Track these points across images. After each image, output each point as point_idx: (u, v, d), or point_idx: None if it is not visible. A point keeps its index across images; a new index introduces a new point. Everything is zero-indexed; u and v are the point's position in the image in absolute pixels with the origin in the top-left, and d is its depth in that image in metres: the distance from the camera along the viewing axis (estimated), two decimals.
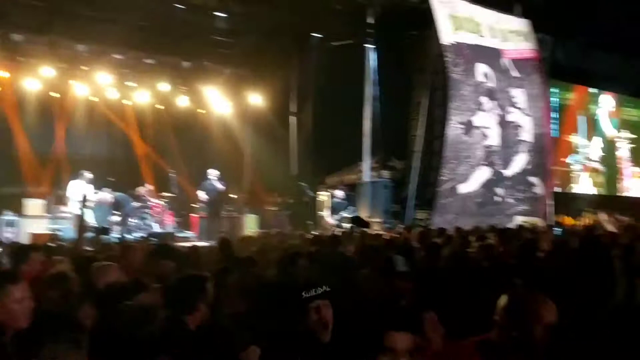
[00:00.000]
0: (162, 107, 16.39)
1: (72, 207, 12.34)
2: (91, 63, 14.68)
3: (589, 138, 20.14)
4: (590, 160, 20.04)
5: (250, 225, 14.54)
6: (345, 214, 14.24)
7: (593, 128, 20.35)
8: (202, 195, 14.18)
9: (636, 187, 21.45)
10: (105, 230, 11.33)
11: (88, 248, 7.71)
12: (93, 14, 13.53)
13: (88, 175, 12.82)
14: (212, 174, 14.26)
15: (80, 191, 12.42)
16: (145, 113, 16.11)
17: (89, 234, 8.71)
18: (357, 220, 7.72)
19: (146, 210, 14.56)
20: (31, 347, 2.04)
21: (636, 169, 21.41)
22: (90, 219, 11.96)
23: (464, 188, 14.45)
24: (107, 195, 13.19)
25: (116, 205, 13.73)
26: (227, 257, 5.95)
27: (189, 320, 3.15)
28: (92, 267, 4.25)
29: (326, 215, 14.41)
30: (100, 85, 14.96)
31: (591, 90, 20.54)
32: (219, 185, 14.16)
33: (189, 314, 3.16)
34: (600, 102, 20.69)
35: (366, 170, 15.01)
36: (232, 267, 4.37)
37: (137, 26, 14.02)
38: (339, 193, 14.56)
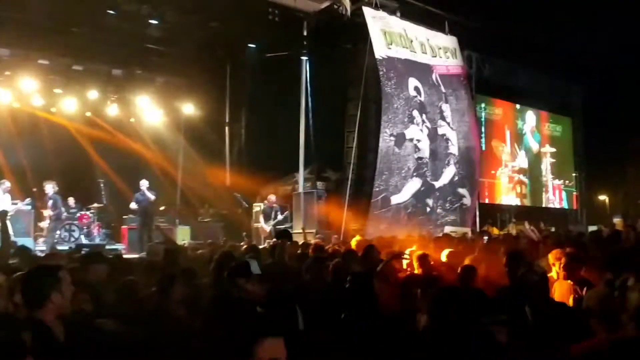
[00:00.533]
0: (91, 116, 15.90)
1: None
2: (14, 68, 14.09)
3: (515, 152, 21.04)
4: (516, 172, 20.93)
5: (182, 236, 14.28)
6: (280, 218, 14.22)
7: (518, 142, 21.29)
8: (133, 205, 13.82)
9: (558, 199, 22.59)
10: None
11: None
12: (18, 16, 12.98)
13: (6, 184, 12.21)
14: (143, 184, 13.92)
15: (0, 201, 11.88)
16: (73, 121, 15.59)
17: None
18: (283, 234, 7.81)
19: (74, 222, 14.07)
20: None
21: (558, 181, 22.55)
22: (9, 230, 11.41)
23: (396, 199, 14.74)
24: (26, 207, 12.61)
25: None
26: (172, 267, 5.86)
27: (41, 313, 2.92)
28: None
29: (262, 223, 14.35)
30: (24, 91, 14.36)
31: (517, 106, 21.51)
32: (150, 195, 13.84)
33: (40, 307, 2.93)
34: (525, 117, 21.69)
35: (301, 181, 15.07)
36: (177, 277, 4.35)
37: (65, 31, 13.60)
38: (271, 198, 14.53)
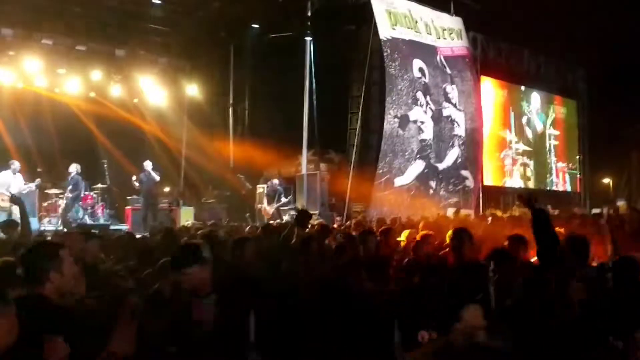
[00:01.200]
0: (95, 96, 15.90)
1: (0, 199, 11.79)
2: (18, 48, 14.06)
3: (519, 134, 20.96)
4: (520, 155, 20.87)
5: (185, 217, 14.34)
6: (283, 200, 14.29)
7: (523, 124, 21.19)
8: (136, 184, 13.85)
9: (562, 181, 22.57)
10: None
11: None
12: None
13: (15, 164, 12.25)
14: (147, 165, 13.95)
15: (9, 182, 11.94)
16: (77, 102, 15.58)
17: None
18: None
19: (78, 202, 14.13)
20: None
21: (562, 164, 22.51)
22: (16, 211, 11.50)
23: (399, 181, 14.76)
24: (33, 186, 12.66)
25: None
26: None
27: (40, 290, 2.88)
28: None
29: (265, 204, 14.42)
30: (28, 71, 14.34)
31: (522, 87, 21.38)
32: (155, 176, 13.87)
33: (39, 284, 2.89)
34: (529, 99, 21.58)
35: (304, 163, 15.08)
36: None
37: (69, 11, 13.56)
38: (274, 181, 14.58)
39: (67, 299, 2.97)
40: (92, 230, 8.28)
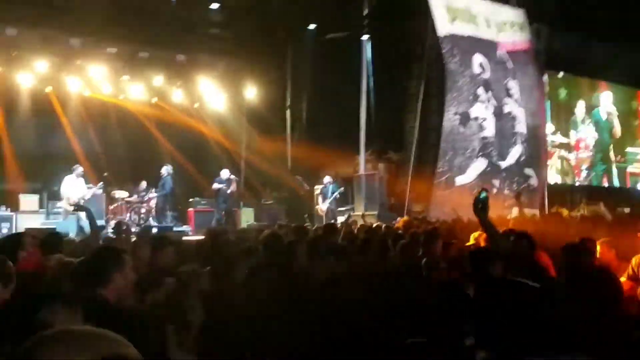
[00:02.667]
0: (157, 101, 16.32)
1: (66, 203, 12.26)
2: (85, 57, 14.60)
3: (585, 129, 19.83)
4: (586, 151, 19.77)
5: (246, 218, 14.51)
6: (331, 198, 14.29)
7: (589, 118, 20.16)
8: (215, 186, 14.01)
9: (630, 179, 21.31)
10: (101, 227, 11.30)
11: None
12: (86, 7, 13.43)
13: (79, 169, 12.67)
14: (225, 173, 14.07)
15: (74, 187, 12.37)
16: (140, 107, 16.04)
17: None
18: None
19: (143, 205, 14.55)
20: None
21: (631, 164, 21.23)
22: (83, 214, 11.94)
23: (461, 180, 14.42)
24: (98, 190, 13.12)
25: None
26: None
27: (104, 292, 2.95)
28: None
29: (320, 204, 14.47)
30: (94, 79, 14.88)
31: (588, 80, 20.38)
32: (234, 185, 14.06)
33: (103, 286, 2.96)
34: (596, 92, 20.56)
35: (362, 163, 14.97)
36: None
37: (131, 19, 13.94)
38: (326, 178, 14.58)
39: (123, 302, 3.01)
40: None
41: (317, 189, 15.05)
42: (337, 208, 14.36)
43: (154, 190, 14.57)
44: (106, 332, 1.21)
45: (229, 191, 13.90)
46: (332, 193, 14.31)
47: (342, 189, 14.55)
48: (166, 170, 14.32)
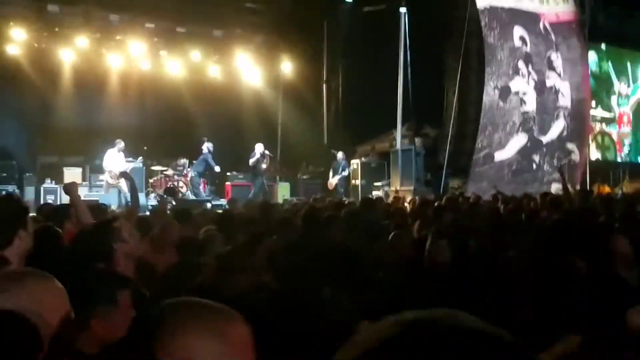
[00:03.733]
0: (194, 76, 16.44)
1: (108, 176, 12.56)
2: (124, 32, 14.79)
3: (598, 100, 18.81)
4: (627, 126, 18.99)
5: (282, 193, 14.61)
6: (344, 174, 14.54)
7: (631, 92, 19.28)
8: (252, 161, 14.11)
9: None
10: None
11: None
12: None
13: (121, 144, 12.92)
14: (259, 147, 14.17)
15: (116, 160, 12.64)
16: (178, 83, 16.20)
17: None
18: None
19: (181, 179, 14.79)
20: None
21: None
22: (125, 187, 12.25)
23: (500, 155, 14.19)
24: (137, 164, 13.38)
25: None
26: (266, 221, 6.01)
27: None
28: None
29: (330, 177, 14.69)
30: (133, 55, 15.07)
31: (634, 53, 19.57)
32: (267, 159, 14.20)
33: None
34: None
35: (398, 138, 14.84)
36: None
37: None
38: (339, 155, 14.67)
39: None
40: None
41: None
42: (347, 185, 14.72)
43: (188, 166, 14.67)
44: None
45: (264, 166, 14.00)
46: (343, 170, 14.51)
47: (349, 168, 14.79)
48: (207, 147, 14.38)
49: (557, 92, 15.42)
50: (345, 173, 14.63)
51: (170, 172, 14.77)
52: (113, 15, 14.50)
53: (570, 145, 15.58)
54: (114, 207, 10.31)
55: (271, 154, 14.37)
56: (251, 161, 14.02)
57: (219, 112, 16.15)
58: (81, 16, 14.25)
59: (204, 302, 1.20)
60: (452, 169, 14.55)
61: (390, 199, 10.83)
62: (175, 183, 14.59)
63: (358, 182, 14.78)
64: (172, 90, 15.99)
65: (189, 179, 14.74)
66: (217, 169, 14.61)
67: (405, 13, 14.43)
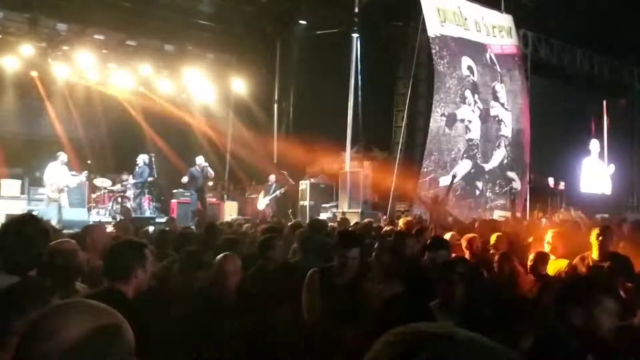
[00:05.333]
0: (143, 90, 16.18)
1: (49, 190, 12.11)
2: (71, 43, 14.43)
3: None
4: None
5: (230, 211, 14.46)
6: (275, 194, 14.55)
7: None
8: (185, 180, 13.97)
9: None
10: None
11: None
12: None
13: (64, 157, 12.49)
14: (200, 160, 14.00)
15: (58, 174, 12.21)
16: (126, 96, 15.89)
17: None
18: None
19: (125, 195, 14.42)
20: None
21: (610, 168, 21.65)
22: (65, 202, 11.90)
23: (445, 180, 14.51)
24: (81, 178, 12.98)
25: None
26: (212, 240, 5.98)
27: (124, 287, 2.87)
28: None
29: (261, 198, 14.62)
30: (80, 66, 14.70)
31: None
32: (211, 172, 13.99)
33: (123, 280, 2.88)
34: None
35: (347, 160, 14.99)
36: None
37: (120, 7, 13.80)
38: (272, 178, 14.69)
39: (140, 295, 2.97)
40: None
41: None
42: (277, 206, 14.71)
43: (136, 176, 14.27)
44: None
45: (201, 180, 13.87)
46: (274, 192, 14.54)
47: (282, 190, 14.71)
48: (142, 159, 14.06)
49: (500, 121, 15.98)
50: (277, 194, 14.59)
51: (116, 187, 14.39)
52: (61, 25, 14.15)
53: (511, 174, 16.13)
54: (53, 222, 9.93)
55: (212, 172, 14.10)
56: (184, 179, 13.88)
57: (167, 127, 15.94)
58: (27, 23, 13.81)
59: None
60: (399, 192, 14.78)
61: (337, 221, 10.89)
62: (119, 199, 14.22)
63: (306, 202, 14.79)
64: (119, 104, 15.68)
65: (133, 194, 14.40)
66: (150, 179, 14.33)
67: (357, 38, 14.69)
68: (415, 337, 0.76)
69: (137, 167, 14.15)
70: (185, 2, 14.61)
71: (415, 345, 0.75)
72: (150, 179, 14.21)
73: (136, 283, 2.89)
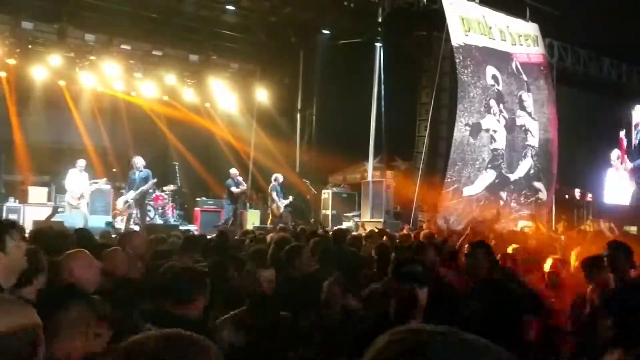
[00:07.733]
0: (168, 99, 16.38)
1: (69, 197, 12.25)
2: (99, 53, 14.69)
3: None
4: None
5: (252, 220, 14.50)
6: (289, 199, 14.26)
7: None
8: (235, 189, 14.02)
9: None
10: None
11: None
12: (102, 3, 13.55)
13: (83, 164, 12.54)
14: (234, 172, 14.10)
15: (77, 181, 12.32)
16: (151, 105, 16.11)
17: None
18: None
19: (149, 202, 14.56)
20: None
21: None
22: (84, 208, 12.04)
23: (468, 190, 14.35)
24: (105, 186, 13.10)
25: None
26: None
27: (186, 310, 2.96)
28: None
29: (276, 201, 14.27)
30: (107, 75, 14.96)
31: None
32: (243, 184, 14.07)
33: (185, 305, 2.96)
34: None
35: (370, 169, 14.94)
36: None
37: (146, 17, 14.03)
38: (279, 178, 14.44)
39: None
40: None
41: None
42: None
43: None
44: None
45: (238, 191, 13.94)
46: (280, 191, 14.21)
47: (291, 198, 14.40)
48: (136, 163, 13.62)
49: (526, 131, 15.76)
50: (291, 199, 14.28)
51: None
52: (88, 35, 14.42)
53: (538, 184, 15.88)
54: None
55: (243, 183, 14.23)
56: (234, 189, 13.91)
57: (191, 136, 16.11)
58: (55, 34, 14.12)
59: None
60: (422, 202, 14.67)
61: (360, 231, 10.86)
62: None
63: (329, 212, 14.76)
64: (144, 113, 15.90)
65: (159, 202, 14.53)
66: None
67: (380, 47, 14.67)
68: (417, 337, 0.77)
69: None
70: (210, 13, 14.78)
71: (417, 345, 0.76)
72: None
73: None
